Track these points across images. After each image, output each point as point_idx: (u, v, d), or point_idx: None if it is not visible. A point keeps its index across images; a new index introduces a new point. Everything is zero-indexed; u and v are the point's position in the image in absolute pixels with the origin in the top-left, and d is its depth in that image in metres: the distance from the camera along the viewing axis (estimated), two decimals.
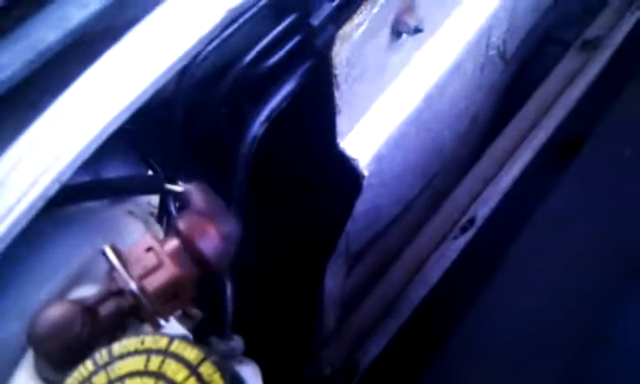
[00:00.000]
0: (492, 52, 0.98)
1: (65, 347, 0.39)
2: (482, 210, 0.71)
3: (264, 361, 0.75)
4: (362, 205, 0.81)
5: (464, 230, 0.71)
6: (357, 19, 0.64)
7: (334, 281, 0.84)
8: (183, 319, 0.62)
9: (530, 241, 0.62)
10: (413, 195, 0.96)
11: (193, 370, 0.35)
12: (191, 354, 0.36)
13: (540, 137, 0.80)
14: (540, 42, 1.27)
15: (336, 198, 0.77)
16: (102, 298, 0.41)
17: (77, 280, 0.47)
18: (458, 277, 0.62)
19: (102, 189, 0.54)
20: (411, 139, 0.85)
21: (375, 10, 0.65)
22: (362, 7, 0.64)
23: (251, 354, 0.77)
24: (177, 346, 0.37)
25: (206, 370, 0.35)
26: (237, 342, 0.49)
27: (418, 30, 0.73)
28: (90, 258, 0.47)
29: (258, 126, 0.65)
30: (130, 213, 0.54)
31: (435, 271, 0.67)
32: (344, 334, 0.72)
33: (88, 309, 0.41)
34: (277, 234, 0.78)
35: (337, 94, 0.68)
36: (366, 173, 0.76)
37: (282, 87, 0.66)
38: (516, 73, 1.26)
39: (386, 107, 0.78)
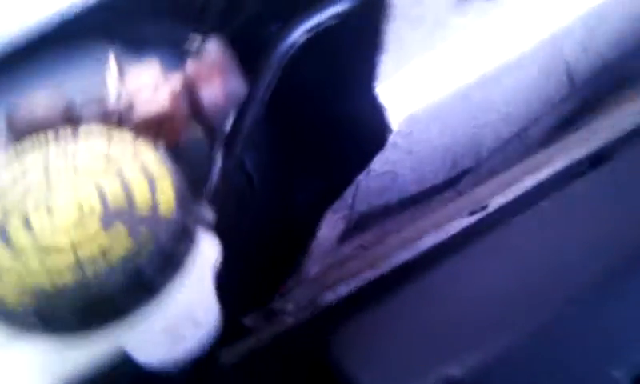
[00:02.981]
0: (561, 65, 0.92)
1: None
2: (497, 200, 0.66)
3: (237, 279, 0.72)
4: (380, 164, 0.77)
5: (472, 213, 0.66)
6: None
7: (329, 231, 0.80)
8: None
9: (531, 220, 0.57)
10: (435, 182, 0.92)
11: (148, 175, 0.33)
12: (159, 168, 0.34)
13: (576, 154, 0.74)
14: (616, 85, 1.21)
15: (356, 143, 0.73)
16: (88, 102, 0.39)
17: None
18: (452, 250, 0.57)
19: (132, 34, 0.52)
20: (452, 118, 0.81)
21: None
22: None
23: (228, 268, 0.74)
24: (143, 151, 0.34)
25: (162, 182, 0.33)
26: (207, 213, 0.46)
27: None
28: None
29: (300, 32, 0.61)
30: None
31: (428, 242, 0.62)
32: (319, 280, 0.68)
33: (70, 108, 0.39)
34: (284, 158, 0.74)
35: (388, 30, 0.64)
36: (394, 128, 0.71)
37: (335, 2, 0.62)
38: (582, 108, 1.20)
39: (435, 69, 0.73)
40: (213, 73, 0.41)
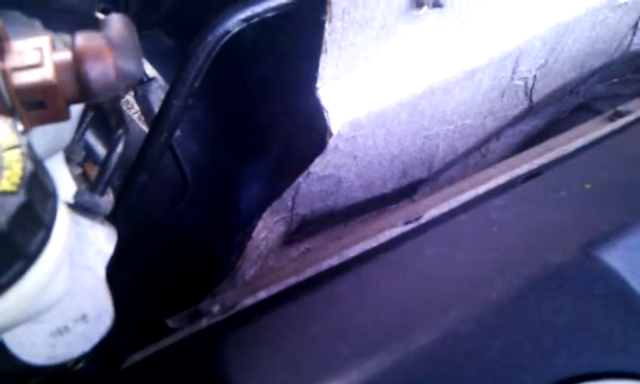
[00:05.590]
0: (518, 82, 0.91)
1: None
2: (431, 212, 0.65)
3: (162, 277, 0.70)
4: (321, 167, 0.75)
5: (407, 223, 0.64)
6: None
7: (266, 233, 0.78)
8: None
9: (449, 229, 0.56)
10: (384, 190, 0.90)
11: None
12: (8, 137, 0.31)
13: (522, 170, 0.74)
14: (575, 107, 1.21)
15: (296, 144, 0.71)
16: None
17: None
18: (370, 258, 0.55)
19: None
20: (398, 126, 0.79)
21: None
22: None
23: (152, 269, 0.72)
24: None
25: (11, 156, 0.31)
26: (103, 201, 0.44)
27: (437, 5, 0.67)
28: None
29: (234, 21, 0.59)
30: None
31: (356, 250, 0.61)
32: (251, 284, 0.66)
33: None
34: (220, 155, 0.72)
35: (327, 28, 0.62)
36: (334, 132, 0.70)
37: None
38: (541, 129, 1.20)
39: (380, 75, 0.72)
40: (104, 49, 0.39)
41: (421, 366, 0.41)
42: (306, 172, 0.73)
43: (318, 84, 0.67)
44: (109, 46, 0.39)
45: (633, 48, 1.11)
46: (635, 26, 1.06)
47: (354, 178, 0.82)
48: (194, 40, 0.58)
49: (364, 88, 0.71)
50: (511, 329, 0.43)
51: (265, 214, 0.75)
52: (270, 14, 0.61)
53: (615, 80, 1.25)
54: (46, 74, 0.38)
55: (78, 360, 0.53)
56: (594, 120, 1.03)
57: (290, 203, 0.77)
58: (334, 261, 0.62)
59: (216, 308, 0.65)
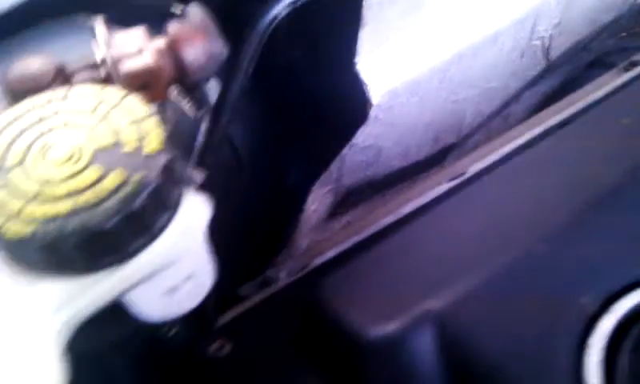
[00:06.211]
0: (536, 41, 0.96)
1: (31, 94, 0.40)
2: (475, 167, 0.70)
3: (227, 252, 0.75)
4: (363, 138, 0.80)
5: (451, 180, 0.69)
6: None
7: (316, 205, 0.83)
8: None
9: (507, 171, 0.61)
10: (419, 157, 0.95)
11: (135, 121, 0.36)
12: (141, 109, 0.36)
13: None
14: (589, 63, 1.25)
15: (339, 117, 0.76)
16: (79, 67, 0.42)
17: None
18: (433, 211, 0.60)
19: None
20: (431, 92, 0.84)
21: None
22: None
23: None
24: (130, 100, 0.37)
25: (148, 124, 0.35)
26: (196, 174, 0.49)
27: None
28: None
29: (282, 6, 0.64)
30: None
31: (409, 207, 0.66)
32: (310, 251, 0.71)
33: (62, 70, 0.42)
34: (270, 134, 0.77)
35: (365, 4, 0.67)
36: (374, 102, 0.75)
37: None
38: (557, 88, 1.24)
39: (412, 45, 0.76)
40: (195, 34, 0.44)
41: (505, 280, 0.46)
42: (349, 144, 0.78)
43: (357, 58, 0.72)
44: (200, 32, 0.44)
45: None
46: None
47: (393, 145, 0.87)
48: (246, 27, 0.63)
49: (398, 58, 0.76)
50: (583, 242, 0.48)
51: (314, 187, 0.80)
52: None
53: (624, 34, 1.29)
54: (147, 60, 0.43)
55: (171, 327, 0.58)
56: (609, 72, 1.07)
57: (335, 175, 0.82)
58: (389, 219, 0.67)
59: (283, 274, 0.70)
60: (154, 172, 0.33)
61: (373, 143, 0.82)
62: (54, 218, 0.32)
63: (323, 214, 0.86)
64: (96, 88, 0.38)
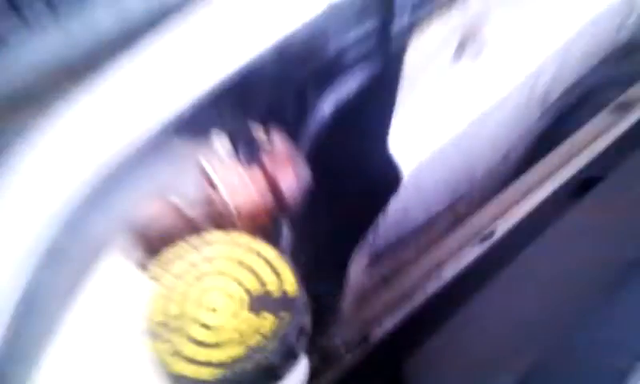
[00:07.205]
0: (534, 97, 1.05)
1: (160, 238, 0.45)
2: (503, 226, 0.78)
3: None
4: (392, 203, 0.88)
5: (483, 239, 0.77)
6: (430, 32, 0.71)
7: (356, 267, 0.90)
8: None
9: (537, 251, 0.69)
10: (438, 209, 1.03)
11: (268, 262, 0.42)
12: (270, 251, 0.43)
13: (564, 174, 0.87)
14: (579, 100, 1.34)
15: (375, 192, 0.84)
16: (196, 204, 0.47)
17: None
18: (472, 278, 0.68)
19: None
20: (449, 158, 0.92)
21: (447, 27, 0.72)
22: (436, 20, 0.71)
23: None
24: (257, 243, 0.43)
25: (280, 266, 0.42)
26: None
27: (477, 55, 0.80)
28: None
29: (332, 103, 0.70)
30: None
31: (450, 271, 0.74)
32: (356, 314, 0.78)
33: (181, 209, 0.47)
34: (317, 215, 0.84)
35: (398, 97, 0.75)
36: (406, 175, 0.82)
37: (353, 79, 0.73)
38: (551, 123, 1.33)
39: (434, 122, 0.85)
40: (286, 163, 0.49)
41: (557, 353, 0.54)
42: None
43: (389, 137, 0.80)
44: (289, 159, 0.50)
45: (621, 37, 1.26)
46: (621, 23, 1.20)
47: (417, 205, 0.95)
48: (301, 129, 0.70)
49: (423, 131, 0.84)
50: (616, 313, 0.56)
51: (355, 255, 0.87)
52: (351, 95, 0.73)
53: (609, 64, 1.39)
54: (253, 197, 0.48)
55: None
56: (599, 116, 1.17)
57: (371, 239, 0.90)
58: (432, 285, 0.74)
59: (338, 340, 0.77)
60: (298, 312, 0.40)
61: (401, 206, 0.90)
62: (239, 360, 0.38)
63: (361, 273, 0.93)
64: (227, 234, 0.44)
